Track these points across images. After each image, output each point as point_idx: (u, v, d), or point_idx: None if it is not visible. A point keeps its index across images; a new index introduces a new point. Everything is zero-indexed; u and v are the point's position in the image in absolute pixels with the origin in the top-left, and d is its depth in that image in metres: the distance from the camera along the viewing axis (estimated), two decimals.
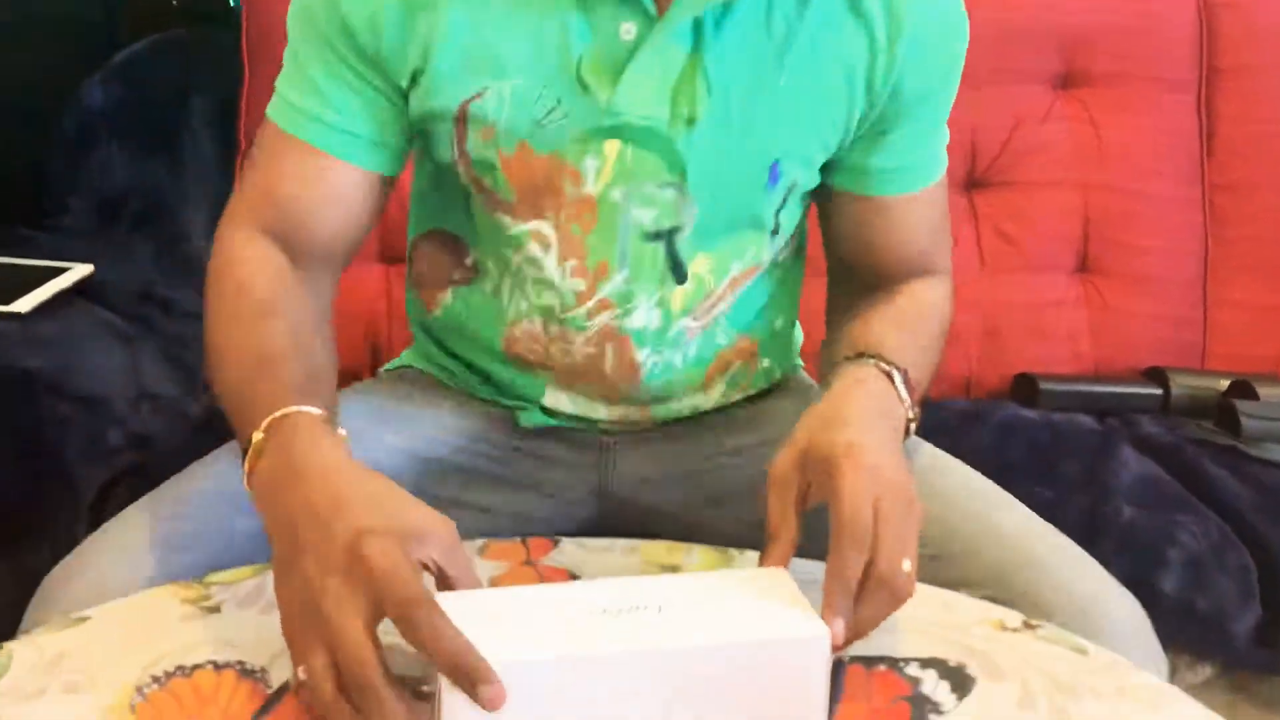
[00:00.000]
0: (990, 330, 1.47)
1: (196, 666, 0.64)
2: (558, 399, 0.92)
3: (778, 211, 0.86)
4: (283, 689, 0.62)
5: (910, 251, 0.89)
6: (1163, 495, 1.20)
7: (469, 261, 0.90)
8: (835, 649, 0.60)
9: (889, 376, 0.77)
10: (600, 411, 0.92)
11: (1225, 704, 1.13)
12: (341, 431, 0.69)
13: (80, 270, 1.30)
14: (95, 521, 1.25)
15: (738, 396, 0.95)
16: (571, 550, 0.79)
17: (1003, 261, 1.50)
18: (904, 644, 0.69)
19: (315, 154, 0.81)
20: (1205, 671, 1.10)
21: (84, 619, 0.68)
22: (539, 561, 0.78)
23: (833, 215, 0.90)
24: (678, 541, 0.81)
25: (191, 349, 1.32)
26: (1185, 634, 1.07)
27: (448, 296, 0.93)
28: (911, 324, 0.86)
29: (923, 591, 0.75)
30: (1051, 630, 0.71)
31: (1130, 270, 1.51)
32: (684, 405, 0.93)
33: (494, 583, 0.74)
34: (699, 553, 0.79)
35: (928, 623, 0.71)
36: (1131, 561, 1.06)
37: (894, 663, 0.67)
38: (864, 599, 0.63)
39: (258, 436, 0.68)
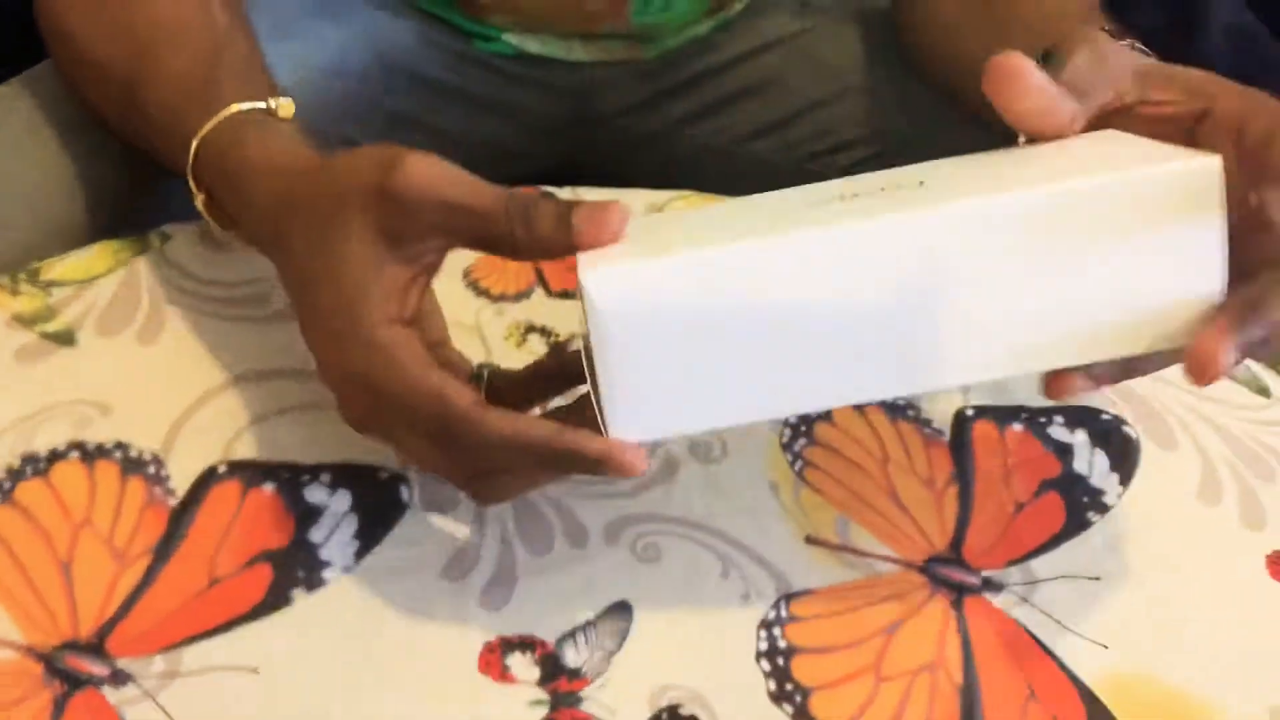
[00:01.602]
0: None
1: (56, 456, 0.44)
2: (522, 41, 0.72)
3: None
4: (195, 493, 0.43)
5: None
6: (1263, 63, 0.97)
7: None
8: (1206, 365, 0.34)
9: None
10: (577, 52, 0.73)
11: None
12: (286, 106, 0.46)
13: None
14: None
15: (738, 6, 0.75)
16: None
17: None
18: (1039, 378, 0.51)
19: None
20: None
21: None
22: None
23: None
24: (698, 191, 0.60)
25: None
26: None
27: None
28: None
29: None
30: None
31: None
32: (678, 40, 0.73)
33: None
34: None
35: None
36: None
37: (1033, 417, 0.50)
38: None
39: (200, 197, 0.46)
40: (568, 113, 0.76)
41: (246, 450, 0.44)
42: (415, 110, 0.72)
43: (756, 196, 0.41)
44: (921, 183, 0.37)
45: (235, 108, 0.45)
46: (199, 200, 0.46)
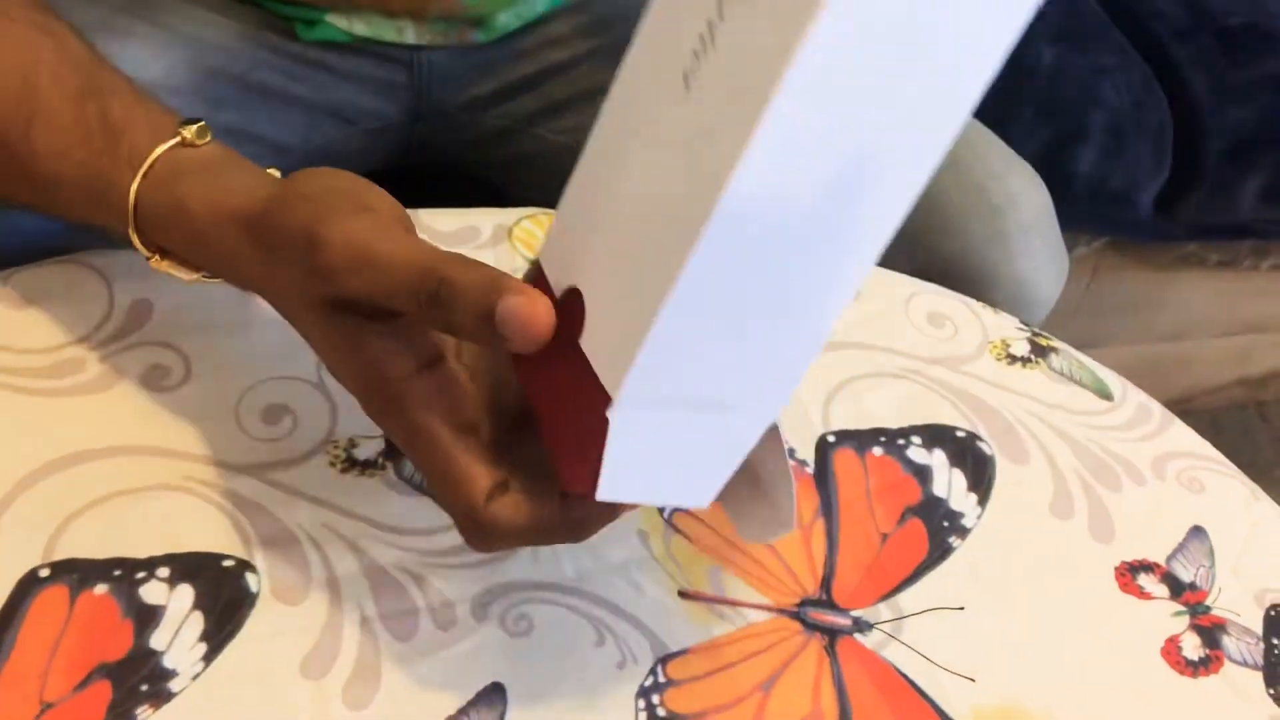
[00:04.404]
0: None
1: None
2: (348, 23, 0.67)
3: None
4: (15, 603, 0.39)
5: None
6: (1085, 23, 1.00)
7: None
8: None
9: None
10: (408, 34, 0.68)
11: (1112, 265, 1.07)
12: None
13: None
14: None
15: None
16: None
17: None
18: (896, 398, 0.52)
19: None
20: (1097, 243, 1.02)
21: None
22: None
23: None
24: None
25: None
26: (1093, 213, 0.95)
27: None
28: None
29: (894, 284, 0.57)
30: (1065, 358, 0.56)
31: None
32: (509, 18, 0.70)
33: None
34: None
35: (915, 351, 0.54)
36: (1052, 132, 0.90)
37: (891, 440, 0.50)
38: None
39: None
40: (406, 112, 0.72)
41: (71, 547, 0.40)
42: (247, 123, 0.67)
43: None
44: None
45: (155, 152, 0.41)
46: (157, 264, 0.43)
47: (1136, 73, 0.97)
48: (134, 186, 0.41)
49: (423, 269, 0.33)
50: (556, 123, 0.71)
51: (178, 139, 0.42)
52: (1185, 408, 1.32)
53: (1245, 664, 0.45)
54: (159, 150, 0.42)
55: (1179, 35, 1.00)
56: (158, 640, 0.38)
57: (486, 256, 0.54)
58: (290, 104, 0.69)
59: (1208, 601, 0.47)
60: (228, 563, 0.41)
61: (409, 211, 0.57)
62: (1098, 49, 0.96)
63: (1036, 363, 0.55)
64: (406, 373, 0.35)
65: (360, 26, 0.68)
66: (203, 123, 0.43)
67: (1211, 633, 0.46)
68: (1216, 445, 0.54)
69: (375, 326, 0.35)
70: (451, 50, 0.71)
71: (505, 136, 0.73)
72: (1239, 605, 0.47)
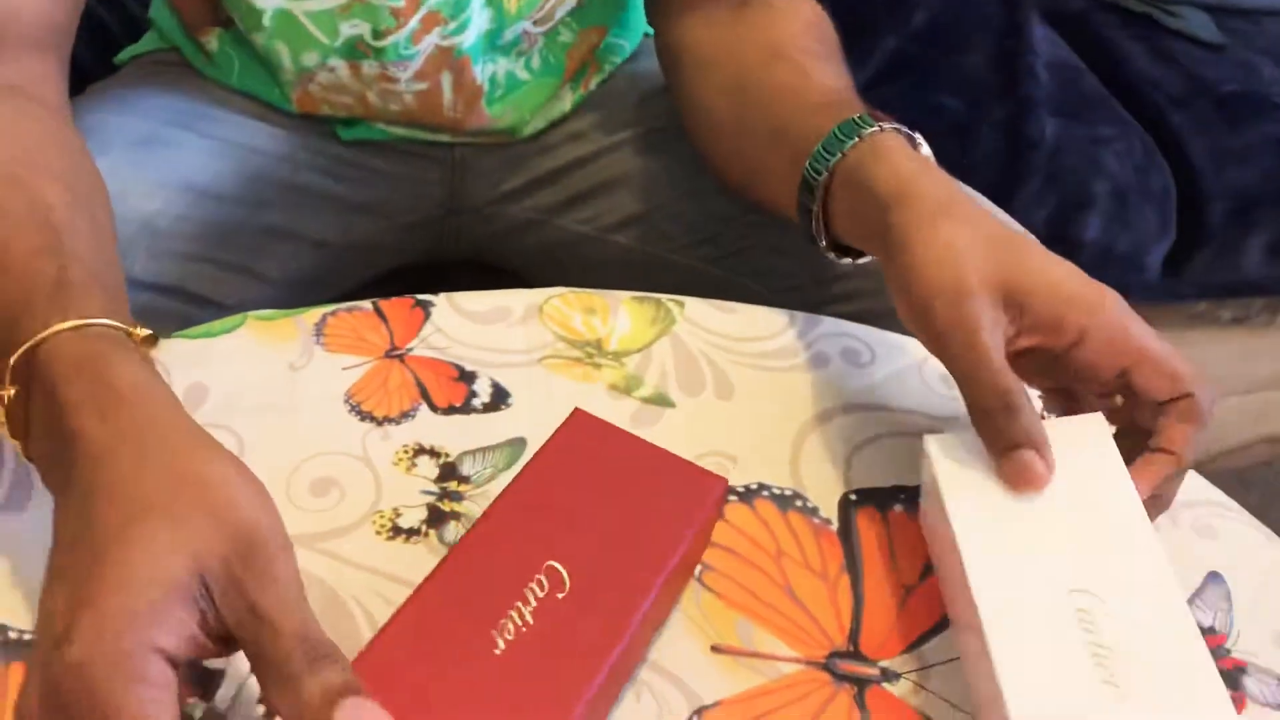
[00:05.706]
0: None
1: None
2: (386, 123, 0.73)
3: None
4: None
5: None
6: (1084, 97, 1.04)
7: (223, 15, 0.70)
8: None
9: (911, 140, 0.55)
10: (444, 137, 0.74)
11: None
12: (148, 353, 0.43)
13: None
14: None
15: (594, 85, 0.77)
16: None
17: None
18: (914, 456, 0.53)
19: None
20: None
21: None
22: (408, 349, 0.55)
23: None
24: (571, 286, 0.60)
25: None
26: (1102, 278, 0.97)
27: (213, 42, 0.72)
28: (830, 49, 0.64)
29: (908, 349, 0.59)
30: None
31: None
32: (539, 121, 0.75)
33: (353, 392, 0.52)
34: (625, 305, 0.59)
35: (930, 411, 0.56)
36: (1059, 201, 0.93)
37: (911, 497, 0.52)
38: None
39: (7, 393, 0.40)
40: (439, 206, 0.76)
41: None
42: (287, 222, 0.71)
43: None
44: None
45: (102, 321, 0.40)
46: (4, 392, 0.40)
47: (1137, 140, 1.00)
48: (57, 325, 0.39)
49: (305, 652, 0.33)
50: (578, 213, 0.75)
51: (125, 325, 0.41)
52: (1210, 468, 1.33)
53: (1269, 704, 0.46)
54: (105, 320, 0.40)
55: (1176, 103, 1.04)
56: (222, 697, 0.41)
57: (518, 333, 0.57)
58: (330, 202, 0.73)
59: (1227, 645, 0.48)
60: None
61: (444, 295, 0.60)
62: (1098, 120, 1.00)
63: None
64: (159, 646, 0.33)
65: (398, 127, 0.73)
66: (154, 335, 0.43)
67: (1233, 675, 0.47)
68: (1246, 504, 0.56)
69: (190, 605, 0.34)
70: (483, 147, 0.75)
71: (530, 227, 0.76)
72: (1258, 647, 0.48)
